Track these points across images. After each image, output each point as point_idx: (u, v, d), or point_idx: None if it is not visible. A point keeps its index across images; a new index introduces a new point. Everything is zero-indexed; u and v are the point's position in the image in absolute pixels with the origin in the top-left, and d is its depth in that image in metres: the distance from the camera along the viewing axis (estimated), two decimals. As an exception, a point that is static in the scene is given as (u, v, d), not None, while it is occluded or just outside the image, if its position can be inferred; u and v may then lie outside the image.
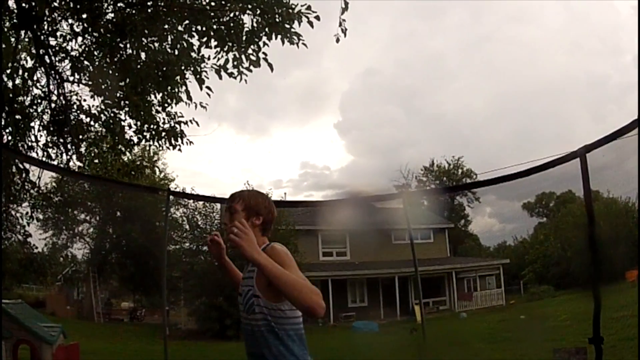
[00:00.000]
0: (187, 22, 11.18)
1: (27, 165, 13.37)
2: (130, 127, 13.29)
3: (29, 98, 13.00)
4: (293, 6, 10.84)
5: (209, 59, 11.46)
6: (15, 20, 10.37)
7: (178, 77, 11.92)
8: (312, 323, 37.00)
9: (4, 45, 10.22)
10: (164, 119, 13.20)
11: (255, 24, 11.13)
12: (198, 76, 11.47)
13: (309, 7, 10.71)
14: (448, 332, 27.32)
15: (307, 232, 40.80)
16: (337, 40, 10.82)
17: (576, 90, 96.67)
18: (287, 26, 10.83)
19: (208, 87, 11.45)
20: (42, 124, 13.34)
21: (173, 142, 13.15)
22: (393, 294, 42.55)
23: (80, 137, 13.73)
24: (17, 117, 12.03)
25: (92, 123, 13.57)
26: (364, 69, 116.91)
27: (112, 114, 13.13)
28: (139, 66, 11.71)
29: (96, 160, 15.34)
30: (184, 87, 12.21)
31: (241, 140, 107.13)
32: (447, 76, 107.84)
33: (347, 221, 40.95)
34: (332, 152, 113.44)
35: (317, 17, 10.70)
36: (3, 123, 11.21)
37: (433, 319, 36.55)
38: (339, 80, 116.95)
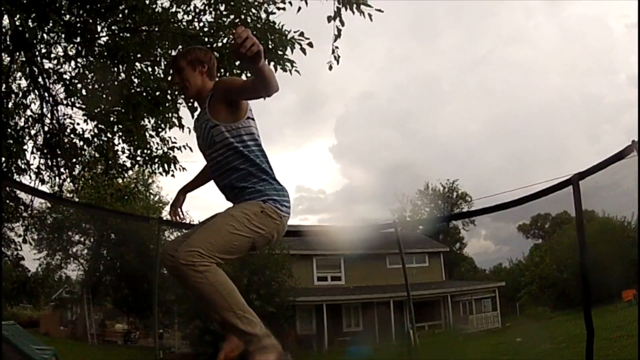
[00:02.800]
0: (180, 47, 11.18)
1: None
2: (123, 151, 13.30)
3: (22, 120, 12.99)
4: (286, 32, 10.86)
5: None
6: (9, 42, 10.35)
7: (170, 103, 11.92)
8: (307, 349, 36.90)
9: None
10: (157, 144, 13.20)
11: (248, 51, 11.11)
12: (190, 103, 11.46)
13: (302, 34, 10.74)
14: (444, 355, 27.20)
15: (301, 257, 40.48)
16: (330, 68, 10.81)
17: (571, 111, 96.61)
18: (280, 53, 10.83)
19: (200, 114, 11.42)
20: (35, 146, 13.32)
21: (166, 167, 13.14)
22: (388, 319, 42.37)
23: (74, 160, 13.72)
24: (10, 140, 12.00)
25: (85, 147, 13.55)
26: (359, 92, 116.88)
27: (105, 139, 13.12)
28: (132, 91, 11.71)
29: (90, 183, 15.33)
30: (176, 113, 12.22)
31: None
32: (443, 99, 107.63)
33: (342, 246, 40.99)
34: (327, 176, 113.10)
35: (310, 44, 10.72)
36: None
37: (429, 343, 36.34)
38: (335, 104, 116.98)
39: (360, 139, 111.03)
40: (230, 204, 4.45)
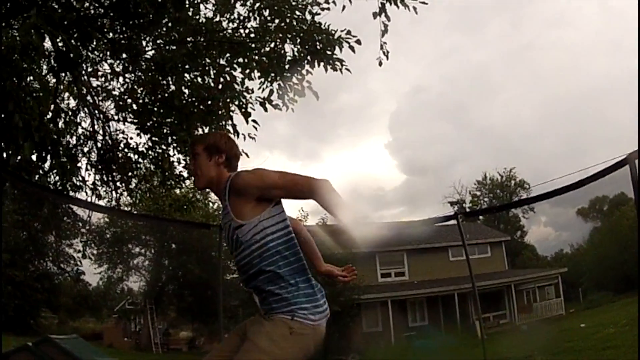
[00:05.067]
0: (228, 55, 11.15)
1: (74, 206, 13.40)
2: (179, 162, 13.27)
3: (74, 138, 13.03)
4: (333, 32, 10.80)
5: (252, 91, 11.39)
6: (53, 63, 10.38)
7: (223, 111, 11.87)
8: (374, 345, 36.81)
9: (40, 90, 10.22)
10: (213, 152, 13.13)
11: (296, 53, 11.09)
12: (243, 109, 11.40)
13: (349, 32, 10.70)
14: (510, 346, 27.05)
15: (364, 255, 40.23)
16: (380, 64, 10.78)
17: (620, 90, 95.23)
18: (329, 53, 10.76)
19: (254, 121, 11.39)
20: (89, 163, 13.36)
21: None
22: (453, 311, 42.32)
23: (130, 174, 13.75)
24: (63, 159, 12.02)
25: (140, 160, 13.58)
26: (410, 88, 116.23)
27: (160, 150, 13.13)
28: (183, 102, 11.69)
29: (147, 195, 15.36)
30: (230, 121, 12.17)
31: (293, 167, 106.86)
32: (493, 88, 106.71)
33: (404, 241, 40.93)
34: (385, 173, 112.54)
35: (358, 42, 10.68)
36: (48, 166, 11.23)
37: (494, 334, 36.21)
38: (387, 101, 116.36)
39: (415, 134, 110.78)
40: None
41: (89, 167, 13.36)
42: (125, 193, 14.17)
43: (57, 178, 11.90)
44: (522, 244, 74.05)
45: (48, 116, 10.72)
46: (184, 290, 46.27)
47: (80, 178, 13.05)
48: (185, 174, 13.46)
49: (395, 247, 43.89)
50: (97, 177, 13.53)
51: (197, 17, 11.30)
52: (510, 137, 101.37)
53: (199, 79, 11.71)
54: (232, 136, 4.55)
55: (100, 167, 13.44)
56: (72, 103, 12.99)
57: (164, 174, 13.48)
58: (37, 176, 10.90)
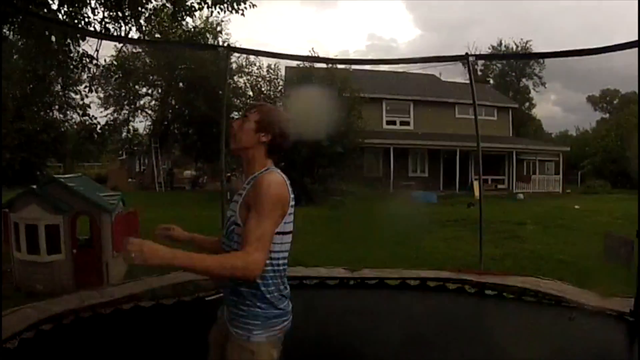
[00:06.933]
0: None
1: (81, 42, 13.45)
2: (191, -7, 13.35)
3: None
4: None
5: None
6: None
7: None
8: (372, 190, 37.21)
9: None
10: (226, -16, 13.18)
11: None
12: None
13: None
14: (504, 210, 27.54)
15: (371, 100, 40.21)
16: None
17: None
18: None
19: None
20: (98, 1, 13.42)
21: (235, 6, 13.21)
22: (453, 168, 42.98)
23: (140, 9, 13.81)
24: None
25: (151, -8, 13.62)
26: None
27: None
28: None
29: (156, 34, 15.43)
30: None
31: (307, 11, 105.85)
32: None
33: (412, 91, 40.87)
34: (400, 26, 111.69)
35: None
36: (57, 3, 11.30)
37: (491, 197, 36.39)
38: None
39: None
40: None
41: (98, 5, 13.44)
42: (134, 29, 14.23)
43: (66, 16, 12.01)
44: (529, 116, 74.13)
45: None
46: (189, 128, 46.38)
47: (90, 10, 13.16)
48: (196, 4, 13.58)
49: (403, 96, 44.47)
50: (106, 13, 13.60)
51: None
52: (530, 10, 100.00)
53: None
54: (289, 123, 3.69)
55: (109, 2, 13.51)
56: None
57: (174, 6, 13.57)
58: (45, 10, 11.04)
